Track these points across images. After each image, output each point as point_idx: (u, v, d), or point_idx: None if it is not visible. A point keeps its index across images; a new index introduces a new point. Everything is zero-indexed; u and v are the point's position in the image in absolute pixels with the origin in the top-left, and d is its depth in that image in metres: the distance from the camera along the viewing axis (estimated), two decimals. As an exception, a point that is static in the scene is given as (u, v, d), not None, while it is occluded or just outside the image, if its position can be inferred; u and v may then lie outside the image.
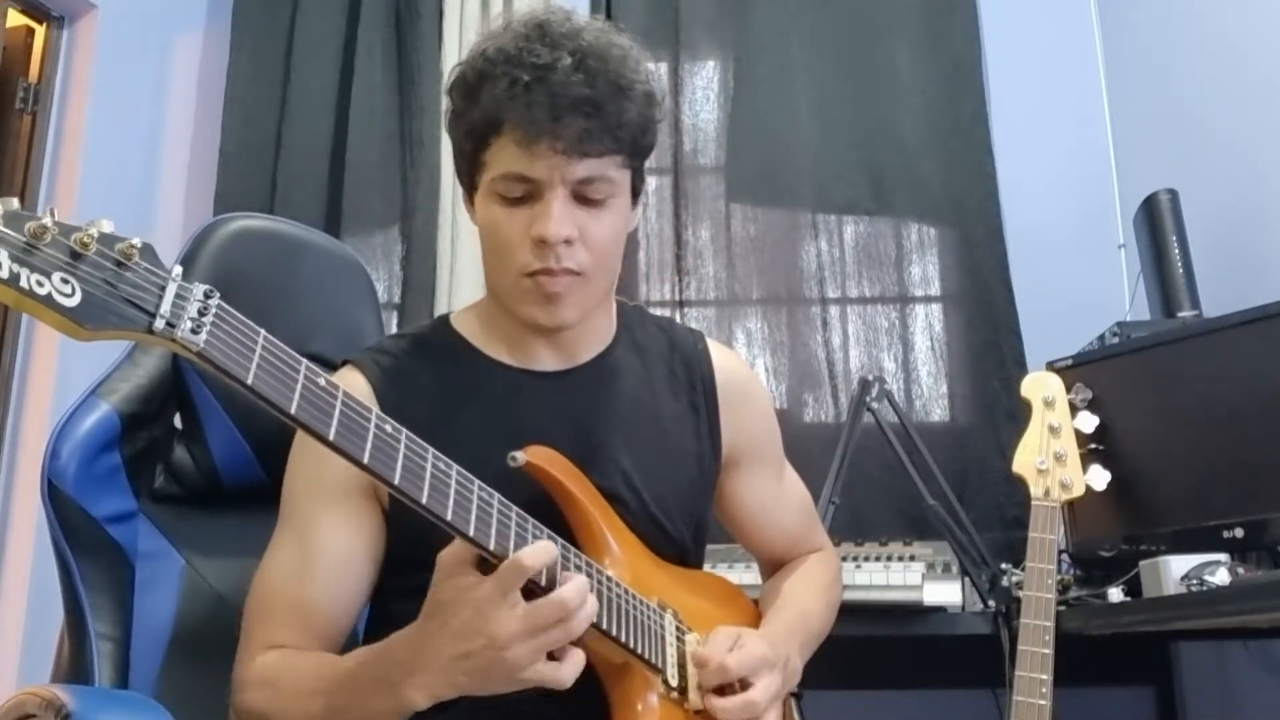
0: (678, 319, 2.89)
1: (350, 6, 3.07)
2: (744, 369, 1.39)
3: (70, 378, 2.58)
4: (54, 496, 1.17)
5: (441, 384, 1.17)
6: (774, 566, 1.42)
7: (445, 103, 1.16)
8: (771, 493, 1.37)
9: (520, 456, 1.04)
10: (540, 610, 0.89)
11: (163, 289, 0.75)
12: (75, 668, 1.16)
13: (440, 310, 2.74)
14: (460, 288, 2.77)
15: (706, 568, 1.34)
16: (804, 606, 1.31)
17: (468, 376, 1.19)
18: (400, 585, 1.10)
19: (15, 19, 2.72)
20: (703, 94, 3.03)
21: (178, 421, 1.30)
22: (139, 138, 2.99)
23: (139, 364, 1.27)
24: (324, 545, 1.08)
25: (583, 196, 1.11)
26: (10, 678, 2.41)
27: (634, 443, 1.20)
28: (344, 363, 1.19)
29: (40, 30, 2.81)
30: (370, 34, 3.03)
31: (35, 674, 2.30)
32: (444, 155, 2.88)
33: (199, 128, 3.12)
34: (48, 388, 2.60)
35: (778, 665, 1.14)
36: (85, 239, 0.71)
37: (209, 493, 1.29)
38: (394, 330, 2.80)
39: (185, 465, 1.28)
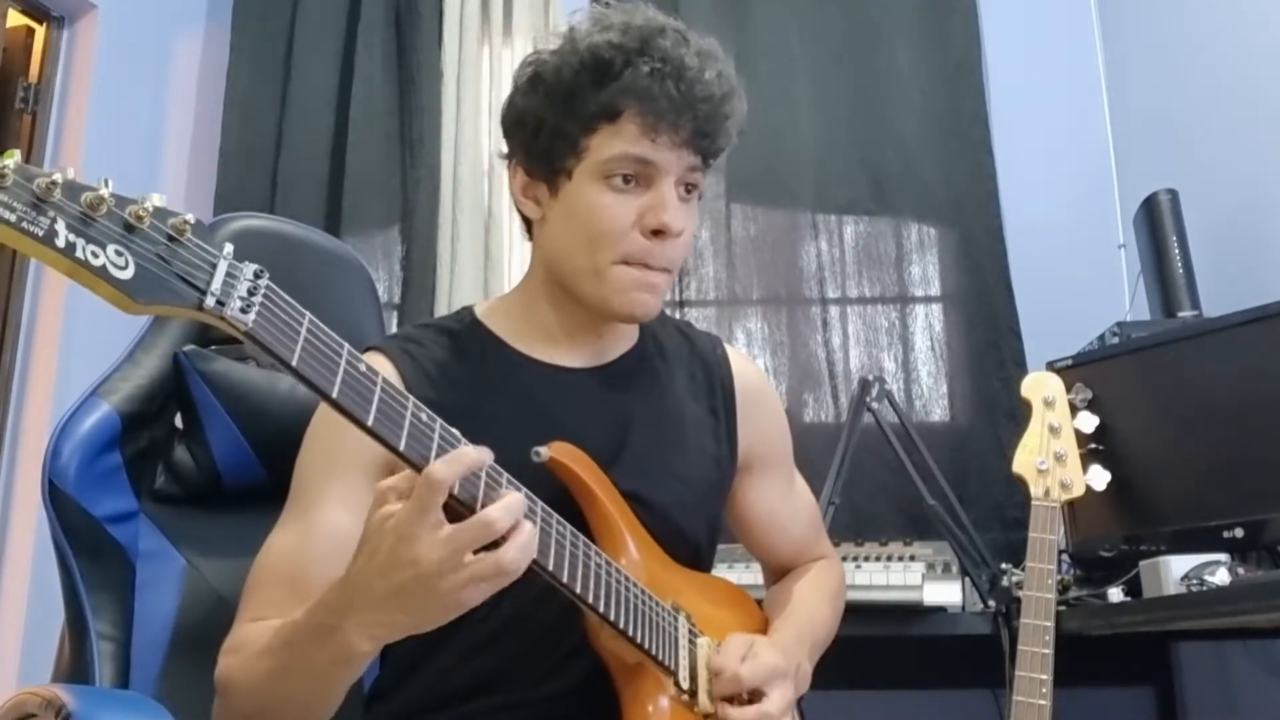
0: (678, 319, 2.89)
1: (350, 6, 3.07)
2: (760, 375, 1.41)
3: (70, 378, 2.58)
4: (54, 496, 1.16)
5: (470, 376, 1.17)
6: (779, 572, 1.43)
7: (532, 87, 1.15)
8: (782, 499, 1.38)
9: (544, 452, 1.04)
10: (464, 532, 0.84)
11: (214, 266, 0.75)
12: (76, 667, 1.15)
13: (440, 311, 2.74)
14: (460, 288, 2.77)
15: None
16: (812, 614, 1.32)
17: (496, 369, 1.19)
18: None
19: (15, 19, 2.72)
20: (703, 94, 3.02)
21: (178, 421, 1.30)
22: (139, 138, 2.99)
23: (139, 364, 1.26)
24: (326, 523, 1.07)
25: (684, 189, 1.14)
26: (10, 677, 2.41)
27: (657, 443, 1.21)
28: (368, 349, 1.17)
29: (40, 30, 2.81)
30: (370, 34, 3.03)
31: (35, 674, 2.30)
32: (444, 155, 2.88)
33: (199, 128, 3.12)
34: (48, 388, 2.59)
35: (790, 674, 1.15)
36: (140, 212, 0.71)
37: (210, 492, 1.29)
38: (393, 329, 2.80)
39: (186, 465, 1.28)
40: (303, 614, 0.94)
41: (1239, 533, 1.83)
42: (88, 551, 1.18)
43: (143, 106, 3.01)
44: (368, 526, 0.88)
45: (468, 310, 1.26)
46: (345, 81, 3.01)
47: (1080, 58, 3.00)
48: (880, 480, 2.56)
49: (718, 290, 2.91)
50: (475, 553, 0.85)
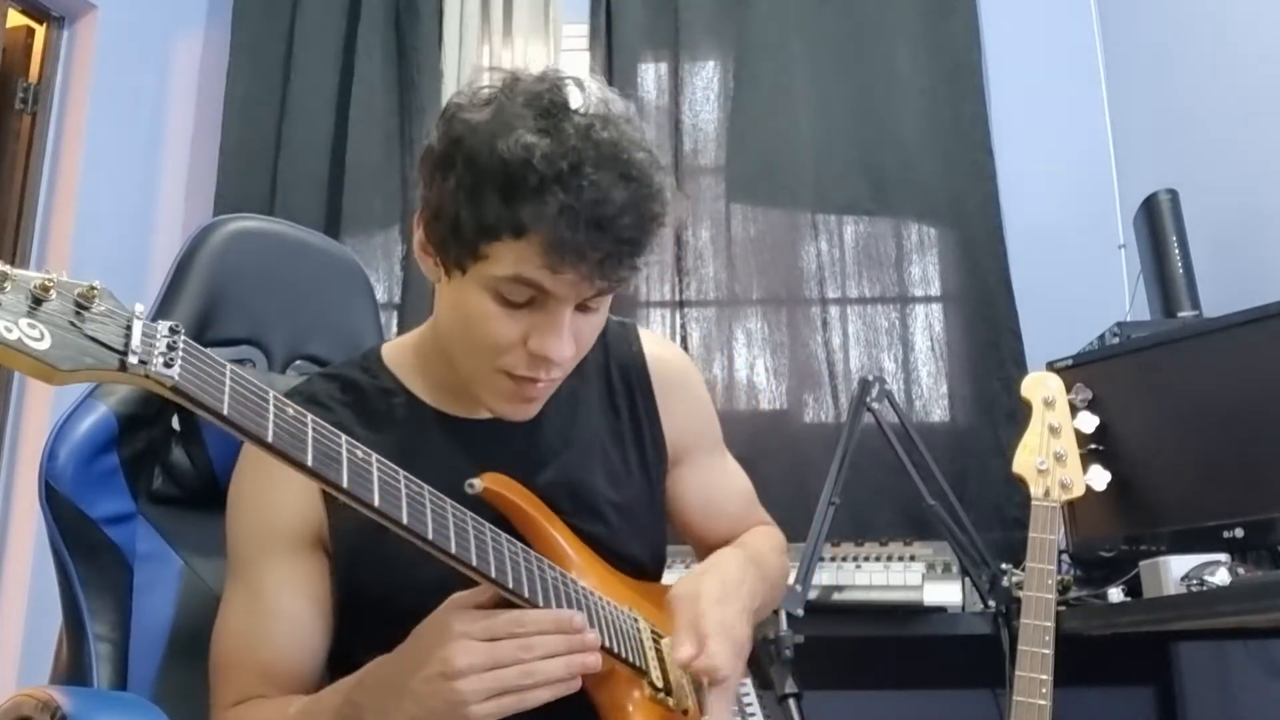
0: (678, 319, 2.89)
1: (350, 6, 3.07)
2: (678, 359, 1.35)
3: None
4: (52, 498, 1.16)
5: (377, 440, 1.10)
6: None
7: (450, 168, 1.03)
8: (716, 481, 1.36)
9: (477, 484, 1.03)
10: (502, 648, 0.89)
11: (129, 327, 0.74)
12: (73, 669, 1.15)
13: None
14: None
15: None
16: (757, 547, 1.30)
17: (403, 430, 1.15)
18: (362, 634, 1.09)
19: (15, 19, 2.73)
20: (703, 94, 3.03)
21: (176, 423, 1.30)
22: (139, 138, 2.99)
23: (137, 365, 1.26)
24: (276, 604, 1.07)
25: (585, 306, 1.05)
26: (9, 679, 2.41)
27: (583, 475, 1.18)
28: None
29: (40, 30, 2.81)
30: (370, 34, 3.03)
31: (34, 675, 2.30)
32: (444, 155, 2.87)
33: (199, 128, 3.13)
34: (47, 389, 2.59)
35: (728, 584, 1.12)
36: (45, 284, 0.70)
37: (207, 494, 1.28)
38: (394, 333, 2.81)
39: (183, 466, 1.27)
40: (335, 708, 0.96)
41: (1239, 533, 1.82)
42: (85, 553, 1.17)
43: (143, 106, 3.01)
44: (429, 617, 0.93)
45: (375, 354, 1.22)
46: (345, 82, 3.02)
47: (1080, 58, 3.00)
48: (880, 480, 2.56)
49: (718, 290, 2.90)
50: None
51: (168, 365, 0.75)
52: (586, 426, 1.22)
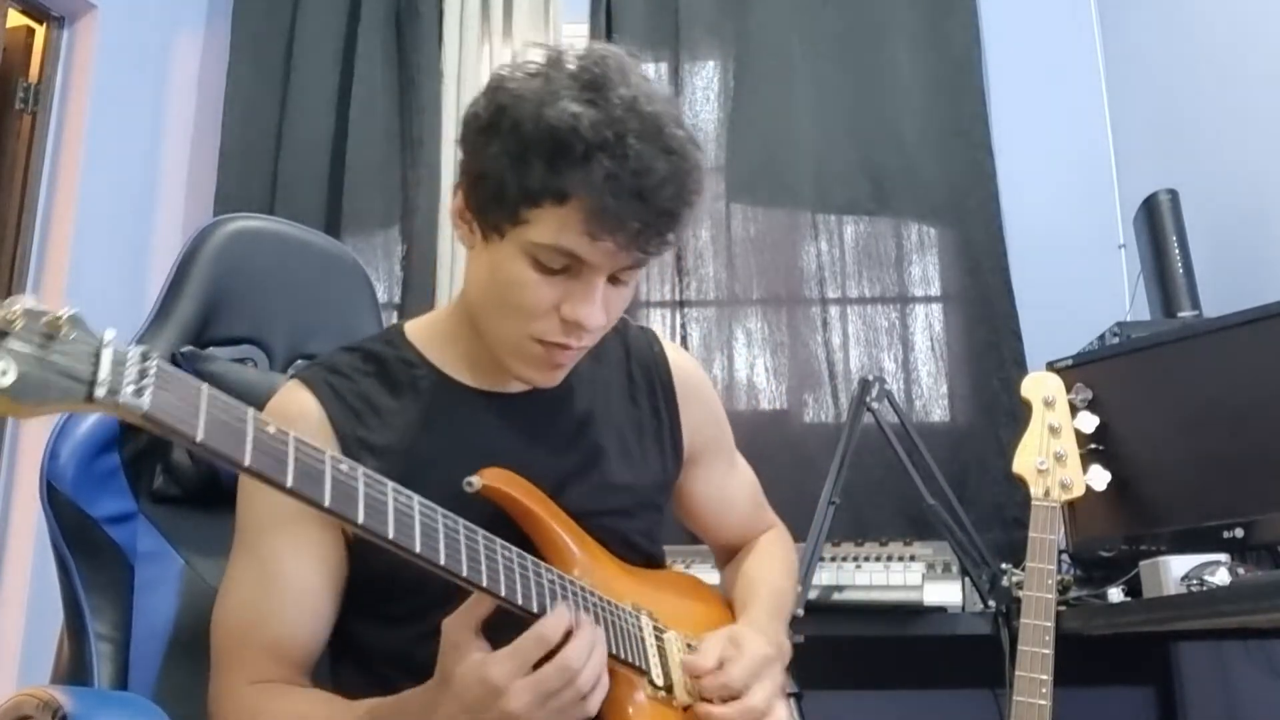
0: (678, 319, 2.89)
1: (350, 6, 3.07)
2: (695, 366, 1.39)
3: (70, 378, 2.57)
4: (52, 498, 1.16)
5: (400, 410, 1.14)
6: (728, 550, 1.44)
7: (490, 123, 1.04)
8: (728, 483, 1.39)
9: (476, 481, 1.03)
10: (547, 678, 0.90)
11: (97, 355, 0.72)
12: (75, 669, 1.16)
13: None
14: (460, 288, 2.77)
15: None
16: (777, 586, 1.33)
17: (428, 401, 1.16)
18: (360, 606, 1.11)
19: (15, 19, 2.73)
20: (703, 94, 3.03)
21: (177, 422, 1.30)
22: (139, 138, 2.99)
23: (138, 364, 1.26)
24: (287, 577, 1.07)
25: (616, 278, 1.08)
26: (10, 679, 2.41)
27: (599, 458, 1.20)
28: (293, 378, 1.16)
29: (40, 30, 2.81)
30: (370, 34, 3.03)
31: (35, 674, 2.30)
32: (444, 155, 2.88)
33: (199, 128, 3.13)
34: (48, 388, 2.59)
35: (776, 659, 1.14)
36: (10, 316, 0.69)
37: (208, 493, 1.28)
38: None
39: (184, 465, 1.28)
40: None
41: (1239, 533, 1.83)
42: (86, 552, 1.18)
43: (143, 106, 3.01)
44: (451, 665, 0.92)
45: (397, 330, 1.23)
46: (345, 81, 3.02)
47: (1080, 58, 3.00)
48: (880, 480, 2.56)
49: (718, 290, 2.91)
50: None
51: (138, 394, 0.73)
52: (607, 410, 1.24)
